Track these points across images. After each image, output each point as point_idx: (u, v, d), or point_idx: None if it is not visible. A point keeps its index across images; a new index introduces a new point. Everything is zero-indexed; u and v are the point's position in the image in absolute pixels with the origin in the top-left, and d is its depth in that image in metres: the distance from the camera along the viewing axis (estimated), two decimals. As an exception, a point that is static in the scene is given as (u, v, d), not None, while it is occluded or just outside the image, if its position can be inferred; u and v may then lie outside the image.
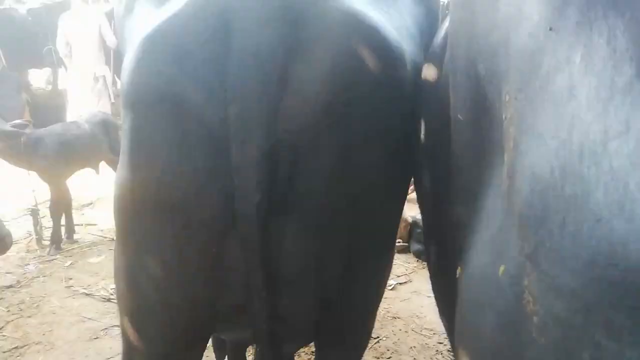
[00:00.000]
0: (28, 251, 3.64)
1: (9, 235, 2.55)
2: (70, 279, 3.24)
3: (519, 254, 0.59)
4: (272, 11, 0.98)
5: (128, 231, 1.20)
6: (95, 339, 2.63)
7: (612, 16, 0.49)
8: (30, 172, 3.56)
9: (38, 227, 3.68)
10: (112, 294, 3.00)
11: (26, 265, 3.44)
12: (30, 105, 6.92)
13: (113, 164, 4.02)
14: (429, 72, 1.15)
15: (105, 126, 3.81)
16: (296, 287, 1.16)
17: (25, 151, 3.40)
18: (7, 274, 3.32)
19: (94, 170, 3.92)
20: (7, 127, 3.33)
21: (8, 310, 2.89)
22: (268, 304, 1.11)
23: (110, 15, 6.28)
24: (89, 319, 2.79)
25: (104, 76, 5.86)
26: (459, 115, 0.83)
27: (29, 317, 2.83)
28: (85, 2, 5.82)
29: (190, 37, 0.98)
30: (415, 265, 3.54)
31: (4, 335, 2.66)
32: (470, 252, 0.81)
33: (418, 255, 3.60)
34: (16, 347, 2.56)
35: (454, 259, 0.96)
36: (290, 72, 0.98)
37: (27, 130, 3.44)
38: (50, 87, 8.89)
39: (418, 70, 1.22)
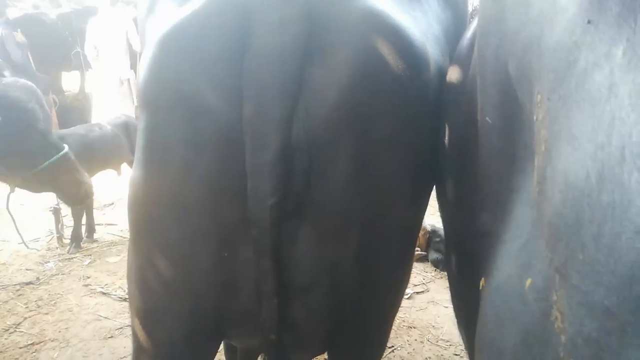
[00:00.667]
0: (49, 249, 3.68)
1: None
2: (88, 277, 3.27)
3: (548, 266, 0.54)
4: (293, 10, 0.95)
5: (141, 231, 1.18)
6: (110, 337, 2.64)
7: None
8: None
9: (59, 226, 3.73)
10: (128, 294, 3.00)
11: (46, 262, 3.48)
12: (57, 107, 7.06)
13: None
14: (454, 75, 1.11)
15: (127, 128, 3.86)
16: (309, 294, 1.12)
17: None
18: (28, 271, 3.37)
19: (115, 172, 3.97)
20: None
21: (26, 307, 2.92)
22: (279, 312, 1.08)
23: (137, 21, 6.41)
24: (105, 317, 2.80)
25: (128, 79, 5.95)
26: (487, 119, 0.79)
27: (46, 314, 2.85)
28: (113, 6, 5.94)
29: (208, 36, 0.96)
30: (433, 274, 3.47)
31: (21, 331, 2.68)
32: (495, 264, 0.76)
33: (436, 264, 3.53)
34: (32, 344, 2.58)
35: (476, 269, 0.92)
36: (309, 73, 0.96)
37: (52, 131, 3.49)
38: (77, 89, 9.13)
39: (442, 73, 1.18)
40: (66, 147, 2.91)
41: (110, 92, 5.93)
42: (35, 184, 2.93)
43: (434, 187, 1.32)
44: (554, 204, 0.52)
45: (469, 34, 1.14)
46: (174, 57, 0.99)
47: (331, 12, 0.97)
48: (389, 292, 1.30)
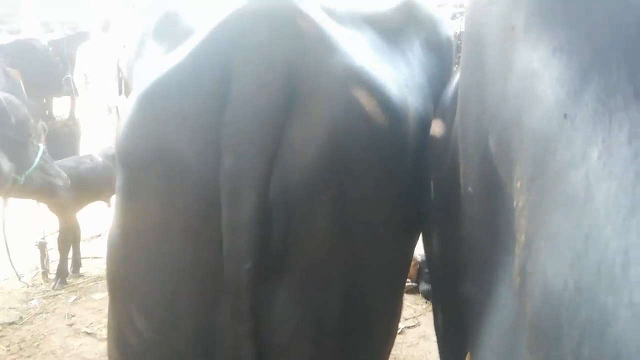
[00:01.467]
0: (33, 285, 3.60)
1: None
2: (73, 315, 3.19)
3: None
4: (272, 66, 0.94)
5: (118, 291, 1.15)
6: None
7: (635, 108, 0.42)
8: (40, 203, 3.55)
9: (45, 261, 3.65)
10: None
11: (30, 300, 3.40)
12: (46, 133, 7.01)
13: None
14: (438, 129, 1.10)
15: (118, 160, 3.81)
16: (291, 356, 1.08)
17: (35, 184, 3.40)
18: (11, 309, 3.28)
19: (105, 203, 3.91)
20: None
21: (8, 349, 2.83)
22: None
23: (125, 61, 6.42)
24: (89, 360, 2.72)
25: (116, 107, 5.92)
26: (469, 188, 0.76)
27: (29, 357, 2.77)
28: (104, 32, 5.95)
29: (187, 94, 0.96)
30: (424, 307, 3.41)
31: (1, 377, 2.60)
32: (480, 341, 0.72)
33: (427, 296, 3.48)
34: (13, 390, 2.49)
35: (462, 334, 0.88)
36: (287, 130, 0.94)
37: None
38: (67, 115, 9.09)
39: (426, 123, 1.17)
40: (42, 146, 2.92)
41: (99, 119, 5.89)
42: (26, 193, 2.97)
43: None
44: (535, 306, 0.49)
45: (453, 83, 1.13)
46: (152, 115, 0.99)
47: (310, 67, 0.97)
48: (377, 339, 1.27)
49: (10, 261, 3.12)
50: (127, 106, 1.05)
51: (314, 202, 0.97)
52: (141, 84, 1.05)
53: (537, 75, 0.53)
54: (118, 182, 1.10)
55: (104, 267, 3.66)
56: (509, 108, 0.59)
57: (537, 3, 0.57)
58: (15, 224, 4.62)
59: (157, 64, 1.14)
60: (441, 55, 1.39)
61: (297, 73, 0.95)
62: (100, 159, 3.74)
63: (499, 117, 0.63)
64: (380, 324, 1.24)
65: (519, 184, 0.55)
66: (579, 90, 0.47)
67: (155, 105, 0.98)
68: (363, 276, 1.08)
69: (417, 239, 1.29)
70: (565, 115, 0.47)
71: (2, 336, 2.97)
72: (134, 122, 1.02)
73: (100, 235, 4.42)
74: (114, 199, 4.02)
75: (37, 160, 2.89)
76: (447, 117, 1.06)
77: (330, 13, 1.14)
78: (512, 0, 0.62)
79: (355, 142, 0.97)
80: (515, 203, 0.55)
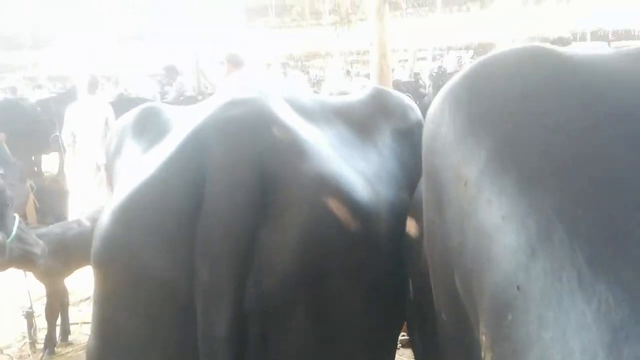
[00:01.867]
0: (20, 357, 3.52)
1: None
2: (61, 391, 3.11)
3: None
4: (244, 174, 0.98)
5: None
6: None
7: (579, 292, 0.46)
8: (27, 272, 3.52)
9: (32, 330, 3.58)
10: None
11: (17, 374, 3.32)
12: (35, 191, 6.99)
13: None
14: (412, 228, 1.14)
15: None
16: None
17: (21, 253, 3.39)
18: (-4, 386, 3.20)
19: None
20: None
21: None
22: None
23: (114, 105, 6.51)
24: None
25: (105, 165, 5.96)
26: (442, 315, 0.80)
27: None
28: (91, 93, 6.04)
29: (161, 203, 0.99)
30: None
31: None
32: None
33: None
34: None
35: None
36: (261, 237, 0.97)
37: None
38: (56, 170, 9.10)
39: (400, 215, 1.20)
40: (16, 216, 2.94)
41: (87, 177, 5.90)
42: (6, 264, 2.95)
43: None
44: None
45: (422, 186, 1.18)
46: (127, 228, 1.01)
47: (281, 174, 1.00)
48: None
49: None
50: (103, 218, 1.07)
51: (289, 309, 0.98)
52: (116, 196, 1.09)
53: (490, 238, 0.58)
54: (94, 291, 1.11)
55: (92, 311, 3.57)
56: (467, 262, 0.63)
57: (485, 163, 0.62)
58: (0, 290, 4.56)
59: (134, 168, 1.19)
60: (413, 141, 1.44)
61: (270, 181, 0.98)
62: (88, 223, 3.73)
63: (460, 264, 0.67)
64: None
65: (483, 338, 0.58)
66: (529, 265, 0.51)
67: (130, 218, 1.01)
68: None
69: (399, 332, 1.30)
70: (518, 288, 0.52)
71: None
72: (109, 235, 1.04)
73: (89, 298, 4.36)
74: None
75: (14, 230, 2.88)
76: (419, 218, 1.10)
77: (301, 110, 1.19)
78: (463, 156, 0.67)
79: (328, 247, 0.99)
80: (483, 354, 0.59)
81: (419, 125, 1.51)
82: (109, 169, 1.55)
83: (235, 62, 4.47)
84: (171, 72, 9.68)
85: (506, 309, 0.53)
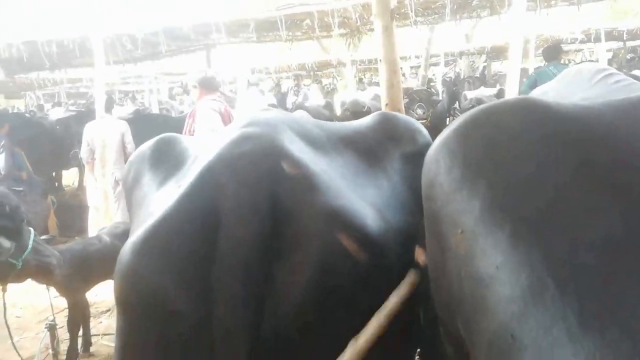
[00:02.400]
0: (44, 368, 3.63)
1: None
2: (84, 399, 3.20)
3: None
4: (256, 211, 1.01)
5: None
6: None
7: (578, 340, 0.50)
8: (50, 287, 3.64)
9: (55, 343, 3.70)
10: None
11: (41, 385, 3.42)
12: (55, 206, 7.19)
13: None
14: (420, 258, 1.17)
15: (126, 237, 3.93)
16: None
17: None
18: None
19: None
20: None
21: None
22: None
23: (131, 122, 6.67)
24: None
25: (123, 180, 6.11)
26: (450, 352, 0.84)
27: None
28: (108, 112, 6.22)
29: (177, 241, 1.04)
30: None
31: None
32: None
33: None
34: None
35: None
36: (274, 272, 1.00)
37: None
38: (76, 184, 9.32)
39: (410, 240, 1.22)
40: (32, 230, 3.04)
41: (105, 192, 6.06)
42: (24, 276, 3.05)
43: None
44: None
45: None
46: (145, 264, 1.06)
47: (294, 209, 1.03)
48: None
49: (16, 349, 3.16)
50: (123, 255, 1.13)
51: (305, 342, 1.02)
52: (135, 232, 1.15)
53: (486, 287, 0.62)
54: (117, 324, 1.17)
55: (114, 343, 3.67)
56: (467, 310, 0.68)
57: (480, 213, 0.66)
58: (24, 303, 4.72)
59: (151, 202, 1.25)
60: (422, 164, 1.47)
61: (282, 216, 1.02)
62: (108, 239, 3.86)
63: (461, 310, 0.71)
64: None
65: None
66: (522, 316, 0.55)
67: (149, 253, 1.07)
68: None
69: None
70: (512, 336, 0.56)
71: None
72: (129, 270, 1.09)
73: (109, 310, 4.47)
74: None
75: (30, 242, 2.99)
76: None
77: (310, 141, 1.21)
78: (459, 205, 0.72)
79: (339, 279, 1.03)
80: None
81: (427, 148, 1.54)
82: (128, 198, 1.60)
83: (207, 87, 4.46)
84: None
85: (502, 356, 0.58)
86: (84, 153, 6.09)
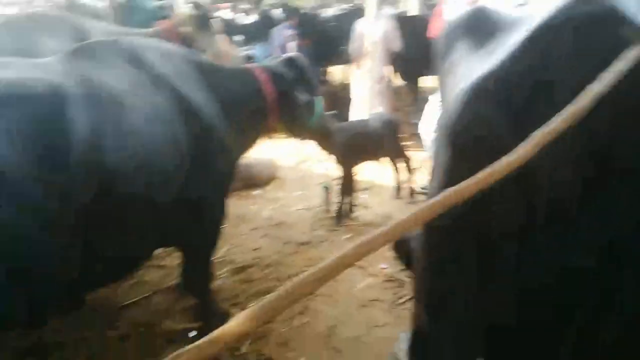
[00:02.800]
0: (319, 219, 4.50)
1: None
2: (347, 249, 3.92)
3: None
4: (591, 66, 1.05)
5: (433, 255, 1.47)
6: (363, 306, 3.18)
7: None
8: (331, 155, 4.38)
9: (328, 201, 4.53)
10: (379, 273, 3.53)
11: (315, 230, 4.28)
12: (325, 96, 8.19)
13: (391, 159, 4.62)
14: None
15: (390, 126, 4.41)
16: None
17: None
18: (303, 233, 4.21)
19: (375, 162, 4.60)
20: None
21: (303, 263, 3.71)
22: None
23: (398, 19, 6.96)
24: (360, 288, 3.37)
25: (387, 77, 6.57)
26: None
27: (318, 272, 3.58)
28: (379, 8, 6.60)
29: (513, 89, 1.18)
30: None
31: (300, 282, 3.44)
32: None
33: None
34: (309, 293, 3.30)
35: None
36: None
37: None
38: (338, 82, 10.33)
39: None
40: (320, 97, 3.51)
41: (369, 88, 6.64)
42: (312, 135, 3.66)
43: None
44: None
45: None
46: (484, 105, 1.24)
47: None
48: None
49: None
50: (457, 94, 1.32)
51: None
52: (466, 76, 1.33)
53: None
54: (442, 156, 1.37)
55: (371, 216, 4.31)
56: None
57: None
58: (308, 168, 5.78)
59: (475, 58, 1.40)
60: None
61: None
62: (373, 124, 4.38)
63: None
64: None
65: None
66: None
67: (485, 96, 1.25)
68: None
69: None
70: None
71: (298, 252, 3.90)
72: (467, 109, 1.28)
73: (367, 189, 5.16)
74: (382, 159, 4.64)
75: (320, 108, 3.46)
76: None
77: None
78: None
79: None
80: None
81: None
82: (439, 64, 1.84)
83: None
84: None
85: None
86: (352, 49, 6.66)
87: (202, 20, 4.08)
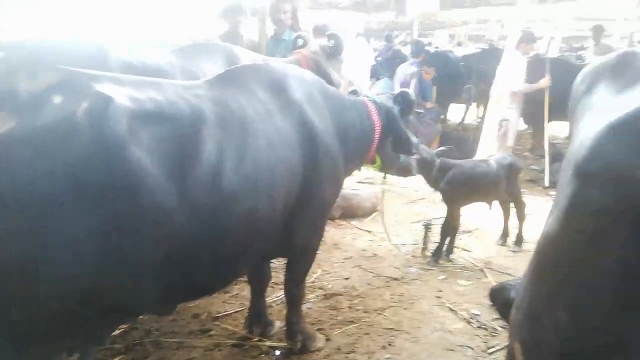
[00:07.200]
0: (414, 256, 4.36)
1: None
2: (440, 291, 3.72)
3: None
4: None
5: (545, 275, 1.36)
6: (450, 350, 2.98)
7: None
8: (429, 192, 4.25)
9: (426, 240, 4.36)
10: (471, 318, 3.30)
11: (409, 267, 4.14)
12: (440, 135, 8.05)
13: (505, 204, 4.34)
14: None
15: (510, 169, 4.16)
16: None
17: (435, 174, 4.11)
18: (395, 268, 4.10)
19: (486, 204, 4.35)
20: (426, 153, 4.07)
21: (391, 297, 3.59)
22: None
23: (532, 61, 6.62)
24: (449, 331, 3.17)
25: (507, 120, 6.26)
26: None
27: (405, 309, 3.44)
28: (517, 49, 6.34)
29: None
30: None
31: (385, 316, 3.34)
32: None
33: None
34: (392, 329, 3.18)
35: None
36: None
37: (443, 157, 4.15)
38: (458, 120, 10.11)
39: None
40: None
41: (490, 130, 6.38)
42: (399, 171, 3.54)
43: None
44: None
45: None
46: (618, 143, 1.14)
47: None
48: None
49: (386, 229, 3.96)
50: (592, 131, 1.22)
51: None
52: (604, 115, 1.23)
53: None
54: (569, 189, 1.27)
55: (470, 259, 4.09)
56: None
57: None
58: (408, 205, 5.68)
59: (616, 99, 1.30)
60: None
61: None
62: (495, 165, 4.15)
63: None
64: None
65: None
66: None
67: (621, 135, 1.14)
68: None
69: None
70: None
71: (388, 286, 3.79)
72: (601, 145, 1.18)
73: (471, 232, 4.89)
74: (495, 203, 4.39)
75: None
76: None
77: None
78: None
79: None
80: None
81: None
82: (573, 105, 1.70)
83: None
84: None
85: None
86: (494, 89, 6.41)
87: (334, 50, 4.28)
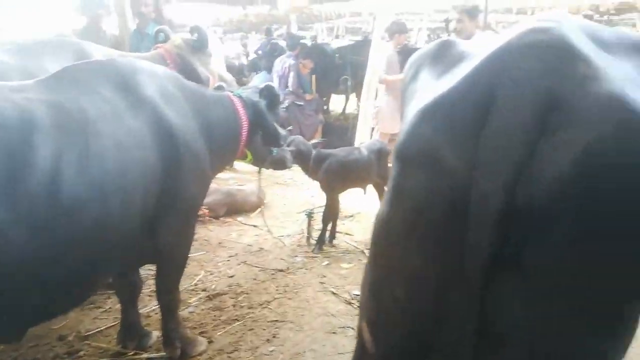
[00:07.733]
0: (299, 245, 4.42)
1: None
2: (324, 276, 3.82)
3: None
4: (532, 93, 1.08)
5: (379, 255, 1.46)
6: (332, 333, 3.07)
7: None
8: (314, 181, 4.34)
9: (309, 228, 4.44)
10: (352, 299, 3.43)
11: (295, 257, 4.19)
12: (323, 125, 8.25)
13: (378, 187, 4.55)
14: None
15: (380, 154, 4.36)
16: (509, 347, 1.22)
17: (313, 165, 4.20)
18: (281, 260, 4.12)
19: (361, 190, 4.53)
20: (302, 145, 4.14)
21: (277, 290, 3.61)
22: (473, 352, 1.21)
23: (402, 51, 7.01)
24: (332, 314, 3.26)
25: (380, 107, 6.58)
26: None
27: (290, 299, 3.48)
28: (383, 39, 6.68)
29: (456, 112, 1.19)
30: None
31: (270, 309, 3.34)
32: None
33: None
34: (276, 320, 3.19)
35: None
36: (540, 147, 1.06)
37: (318, 149, 4.25)
38: (340, 110, 10.42)
39: None
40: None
41: (367, 117, 6.66)
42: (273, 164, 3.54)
43: None
44: None
45: None
46: (428, 127, 1.24)
47: (569, 97, 1.06)
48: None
49: (265, 223, 4.06)
50: (410, 116, 1.33)
51: (555, 215, 1.06)
52: (421, 100, 1.33)
53: None
54: (392, 171, 1.40)
55: (353, 243, 4.27)
56: None
57: None
58: (296, 195, 5.73)
59: (433, 84, 1.40)
60: None
61: (556, 101, 1.05)
62: (365, 152, 4.32)
63: None
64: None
65: None
66: None
67: (431, 118, 1.24)
68: (588, 297, 1.11)
69: None
70: None
71: (274, 278, 3.80)
72: (414, 129, 1.29)
73: (352, 216, 5.08)
74: (369, 187, 4.59)
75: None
76: None
77: (598, 41, 1.19)
78: None
79: (606, 173, 1.01)
80: None
81: None
82: (404, 91, 1.82)
83: None
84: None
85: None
86: (356, 79, 6.71)
87: (198, 44, 4.14)
